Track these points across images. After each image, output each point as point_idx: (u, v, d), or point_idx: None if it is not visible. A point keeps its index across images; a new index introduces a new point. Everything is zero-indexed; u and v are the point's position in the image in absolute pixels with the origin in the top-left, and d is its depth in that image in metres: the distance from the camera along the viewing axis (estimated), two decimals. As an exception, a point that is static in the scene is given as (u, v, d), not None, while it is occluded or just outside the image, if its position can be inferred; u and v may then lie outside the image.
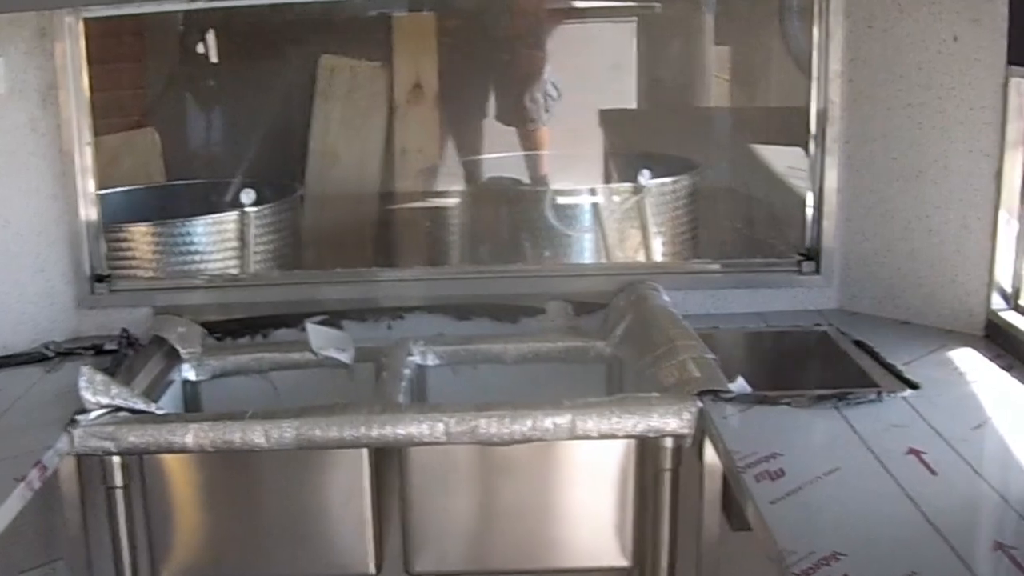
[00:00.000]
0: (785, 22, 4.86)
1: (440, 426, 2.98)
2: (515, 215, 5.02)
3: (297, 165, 5.27)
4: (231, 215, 4.55)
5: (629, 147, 5.56)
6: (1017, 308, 3.49)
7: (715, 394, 3.04)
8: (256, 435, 2.97)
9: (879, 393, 3.05)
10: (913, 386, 3.12)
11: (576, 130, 5.80)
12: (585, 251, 4.91)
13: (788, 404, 3.00)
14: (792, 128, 4.68)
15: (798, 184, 4.53)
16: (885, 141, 3.67)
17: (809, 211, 3.91)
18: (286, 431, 2.97)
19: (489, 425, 2.98)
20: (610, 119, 5.69)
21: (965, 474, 2.61)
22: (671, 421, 3.00)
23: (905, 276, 3.71)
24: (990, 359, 3.34)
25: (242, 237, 4.54)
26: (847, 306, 3.87)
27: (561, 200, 4.90)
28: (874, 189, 3.73)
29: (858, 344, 3.51)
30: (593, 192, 4.99)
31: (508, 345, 3.74)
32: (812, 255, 3.91)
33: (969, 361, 3.34)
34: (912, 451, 2.70)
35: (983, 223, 3.48)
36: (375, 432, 2.98)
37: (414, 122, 5.38)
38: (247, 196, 4.53)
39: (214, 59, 5.44)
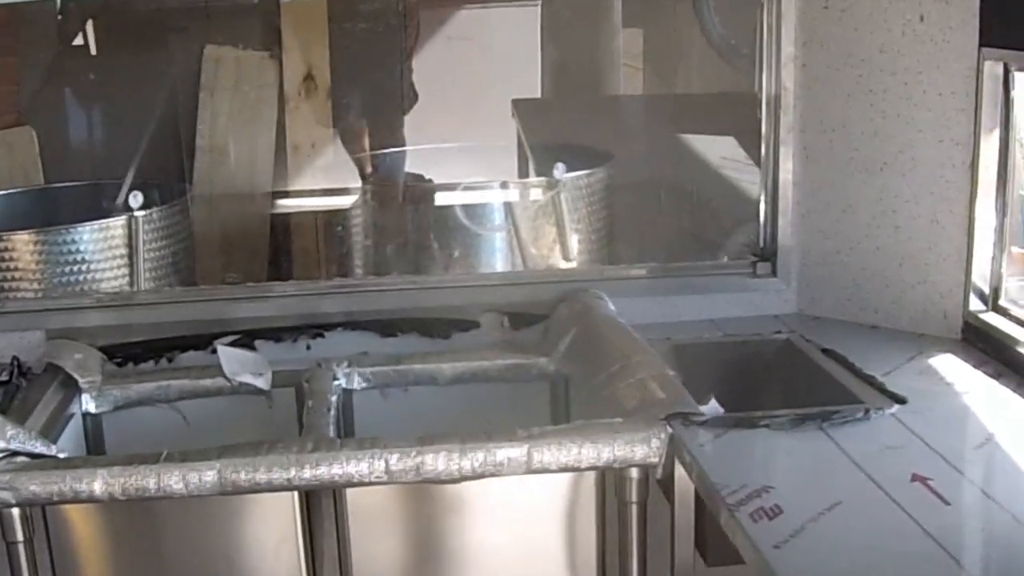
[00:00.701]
0: (699, 4, 4.68)
1: (380, 464, 2.69)
2: (422, 213, 4.84)
3: (185, 164, 5.06)
4: (119, 220, 4.29)
5: (541, 139, 5.39)
6: (997, 309, 3.29)
7: (685, 417, 2.78)
8: (173, 480, 2.65)
9: (866, 411, 2.81)
10: (900, 400, 2.89)
11: (481, 122, 5.67)
12: (497, 251, 4.75)
13: (767, 426, 2.75)
14: (721, 116, 4.67)
15: (735, 176, 4.41)
16: (845, 131, 3.44)
17: (762, 207, 3.67)
18: (206, 475, 2.66)
19: (436, 461, 2.69)
20: (519, 109, 5.52)
21: (981, 503, 2.39)
22: (638, 449, 2.73)
23: (871, 277, 3.49)
24: (974, 366, 3.14)
25: (131, 244, 4.27)
26: (807, 310, 3.65)
27: (471, 196, 4.76)
28: (834, 183, 3.50)
29: (827, 353, 3.28)
30: (505, 186, 4.84)
31: (442, 364, 3.45)
32: (767, 256, 3.67)
33: (953, 369, 3.12)
34: (917, 477, 2.47)
35: (956, 217, 3.28)
36: (308, 473, 2.68)
37: (306, 115, 5.21)
38: (135, 199, 4.26)
39: (94, 51, 5.27)
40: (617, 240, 4.92)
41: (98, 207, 4.61)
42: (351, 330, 3.58)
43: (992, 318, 3.27)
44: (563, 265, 4.67)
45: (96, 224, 4.27)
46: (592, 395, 3.11)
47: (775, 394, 3.34)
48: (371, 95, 5.41)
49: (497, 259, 4.75)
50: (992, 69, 3.13)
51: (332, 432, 2.98)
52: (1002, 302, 3.29)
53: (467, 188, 4.84)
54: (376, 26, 5.31)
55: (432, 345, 3.58)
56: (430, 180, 5.08)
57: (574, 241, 4.73)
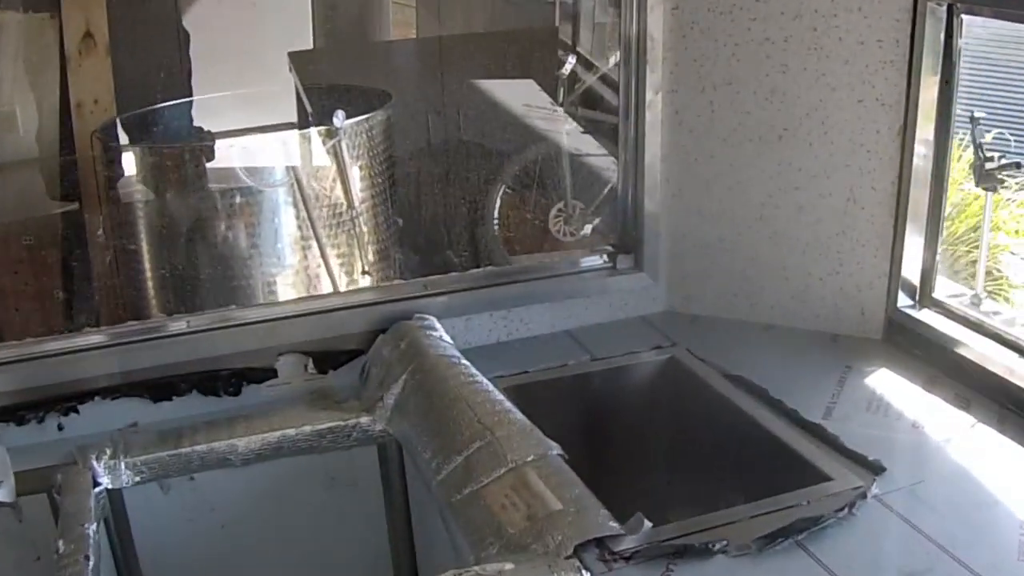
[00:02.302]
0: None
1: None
2: (200, 170, 3.93)
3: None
4: None
5: (319, 90, 4.56)
6: (928, 303, 2.37)
7: (603, 547, 1.71)
8: None
9: (850, 506, 1.79)
10: (875, 469, 1.90)
11: (257, 75, 4.83)
12: (281, 207, 3.88)
13: (725, 552, 1.71)
14: (517, 56, 4.04)
15: (548, 129, 3.76)
16: (732, 90, 2.40)
17: (621, 187, 2.61)
18: None
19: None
20: (296, 62, 4.71)
21: None
22: (544, 603, 1.66)
23: (765, 267, 2.50)
24: (925, 388, 2.25)
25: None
26: (680, 307, 2.64)
27: (250, 145, 3.91)
28: (716, 155, 2.47)
29: (736, 382, 2.26)
30: (283, 138, 4.07)
31: (234, 439, 2.27)
32: (629, 246, 2.62)
33: (905, 397, 2.21)
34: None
35: (880, 195, 2.32)
36: None
37: (88, 74, 4.56)
38: None
39: None
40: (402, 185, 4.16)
41: None
42: (111, 399, 2.38)
43: (925, 315, 2.35)
44: (348, 209, 3.86)
45: None
46: (445, 492, 2.00)
47: (677, 450, 2.30)
48: (149, 50, 4.54)
49: (281, 217, 3.83)
50: (934, 11, 2.13)
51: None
52: (935, 295, 2.34)
53: (248, 133, 3.98)
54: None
55: (218, 406, 2.42)
56: (209, 132, 4.21)
57: (357, 189, 3.89)
